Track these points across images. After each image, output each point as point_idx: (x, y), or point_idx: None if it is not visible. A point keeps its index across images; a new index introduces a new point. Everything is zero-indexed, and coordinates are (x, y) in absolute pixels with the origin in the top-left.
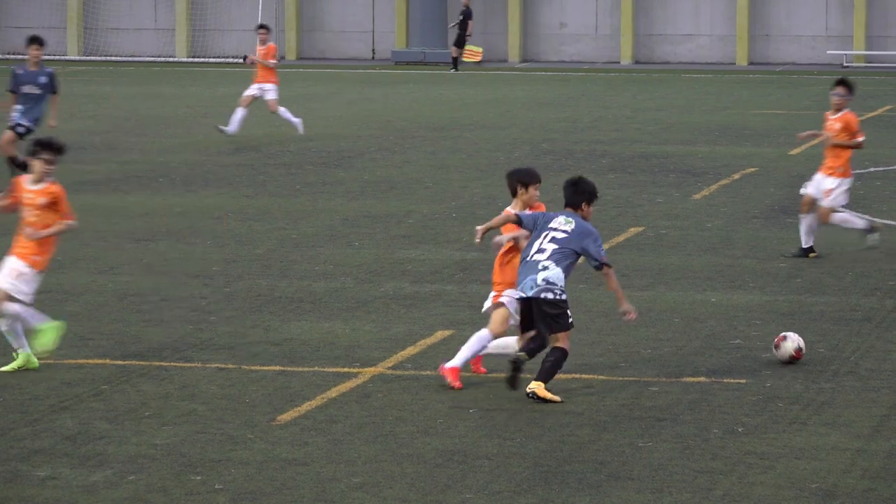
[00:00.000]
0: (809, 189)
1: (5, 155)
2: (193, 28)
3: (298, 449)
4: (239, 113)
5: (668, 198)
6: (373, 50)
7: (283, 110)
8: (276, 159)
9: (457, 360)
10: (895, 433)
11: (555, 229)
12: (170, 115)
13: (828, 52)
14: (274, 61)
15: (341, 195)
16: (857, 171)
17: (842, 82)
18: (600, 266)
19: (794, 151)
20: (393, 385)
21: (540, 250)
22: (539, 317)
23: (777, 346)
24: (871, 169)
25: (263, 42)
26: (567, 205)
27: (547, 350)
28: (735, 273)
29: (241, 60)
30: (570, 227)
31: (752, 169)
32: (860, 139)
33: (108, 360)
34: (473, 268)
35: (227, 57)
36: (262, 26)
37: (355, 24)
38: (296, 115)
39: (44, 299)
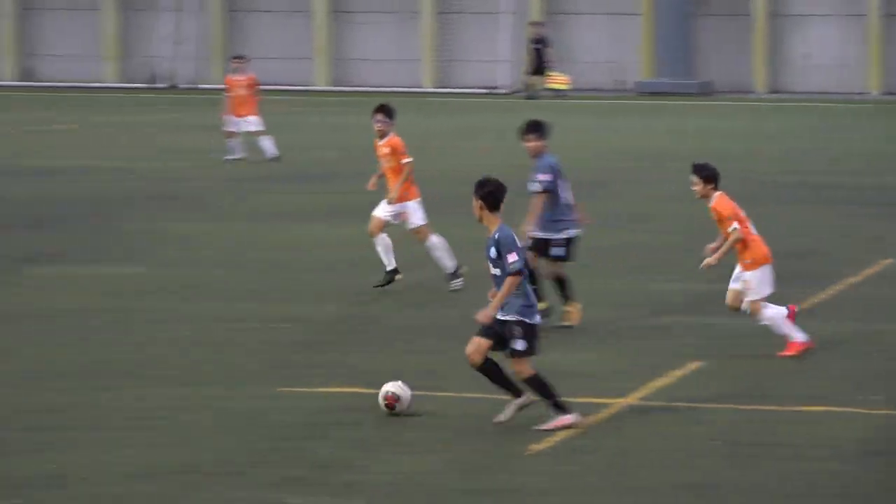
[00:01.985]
0: (378, 213)
1: None
2: (439, 59)
3: (548, 479)
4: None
5: None
6: (619, 80)
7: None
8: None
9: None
10: None
11: None
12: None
13: None
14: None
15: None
16: None
17: (380, 108)
18: None
19: None
20: (645, 416)
21: None
22: None
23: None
24: None
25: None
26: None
27: None
28: None
29: (485, 91)
30: None
31: None
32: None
33: (359, 388)
34: (720, 299)
35: (471, 87)
36: (238, 57)
37: (600, 54)
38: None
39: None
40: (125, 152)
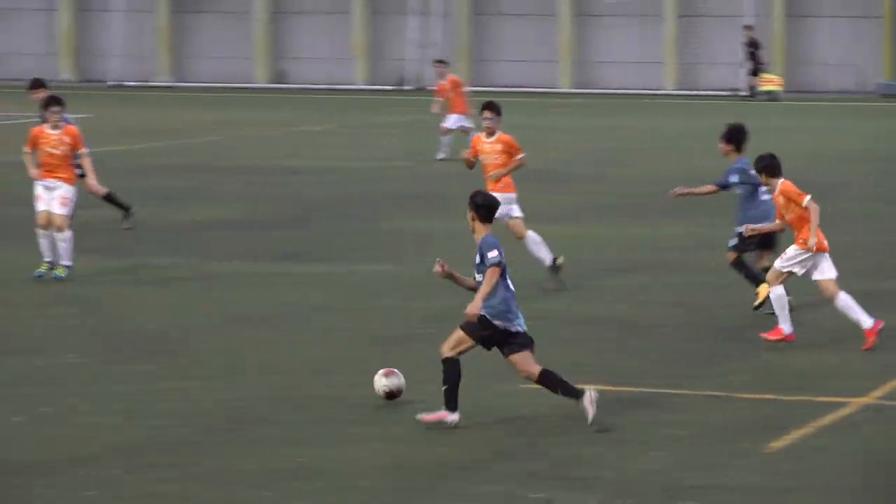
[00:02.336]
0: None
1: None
2: (681, 61)
3: (785, 478)
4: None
5: None
6: (860, 82)
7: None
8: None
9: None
10: None
11: None
12: (644, 148)
13: None
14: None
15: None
16: None
17: (489, 106)
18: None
19: None
20: (883, 415)
21: None
22: None
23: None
24: None
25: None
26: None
27: None
28: None
29: (727, 93)
30: None
31: None
32: (521, 156)
33: (603, 386)
34: None
35: (713, 90)
36: (439, 61)
37: (841, 56)
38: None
39: (534, 326)
40: (372, 153)
